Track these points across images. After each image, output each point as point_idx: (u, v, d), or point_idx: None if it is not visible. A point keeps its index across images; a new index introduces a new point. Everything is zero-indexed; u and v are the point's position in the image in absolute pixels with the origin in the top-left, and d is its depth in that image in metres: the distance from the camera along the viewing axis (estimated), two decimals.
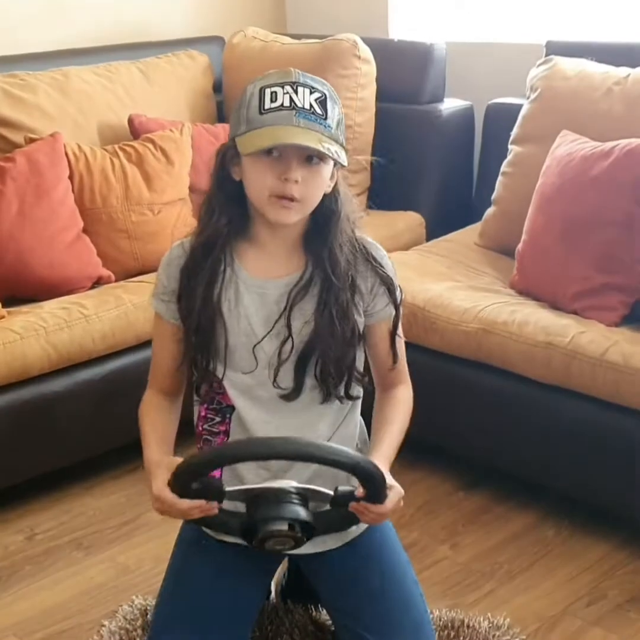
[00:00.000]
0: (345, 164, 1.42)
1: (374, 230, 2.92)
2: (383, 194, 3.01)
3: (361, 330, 1.52)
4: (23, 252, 2.45)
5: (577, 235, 2.26)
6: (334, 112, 1.42)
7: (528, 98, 2.67)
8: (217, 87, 3.18)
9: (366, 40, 2.95)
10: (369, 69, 2.94)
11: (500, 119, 2.84)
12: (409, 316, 2.40)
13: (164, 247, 2.59)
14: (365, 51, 2.93)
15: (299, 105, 1.37)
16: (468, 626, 1.83)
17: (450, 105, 3.03)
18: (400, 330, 1.59)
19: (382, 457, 1.47)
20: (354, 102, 2.91)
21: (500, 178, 2.71)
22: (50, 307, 2.37)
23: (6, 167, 2.50)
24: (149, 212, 2.66)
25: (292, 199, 1.40)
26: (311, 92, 1.40)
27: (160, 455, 1.47)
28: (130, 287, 2.50)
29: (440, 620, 1.86)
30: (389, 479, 1.40)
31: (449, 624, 1.84)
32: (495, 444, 2.28)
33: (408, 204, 2.99)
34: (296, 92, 1.39)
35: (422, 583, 1.56)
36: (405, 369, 1.62)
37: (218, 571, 1.54)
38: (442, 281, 2.47)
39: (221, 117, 3.13)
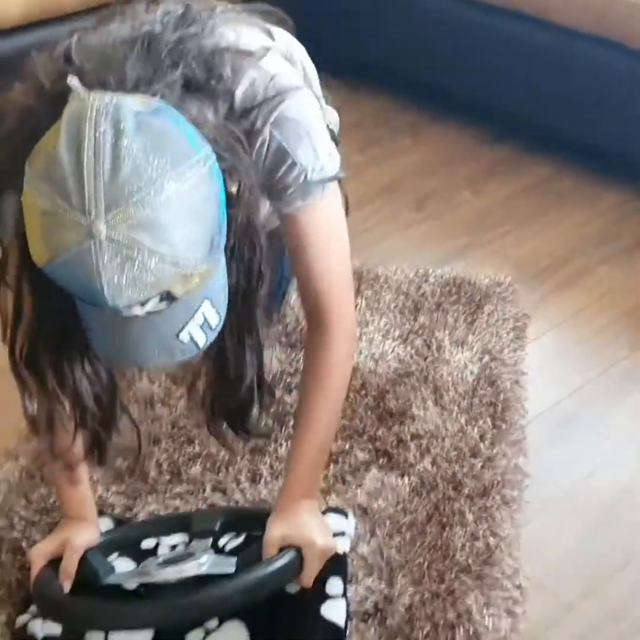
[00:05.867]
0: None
1: None
2: None
3: None
4: None
5: None
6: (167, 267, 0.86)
7: None
8: None
9: None
10: None
11: None
12: None
13: None
14: None
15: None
16: (469, 283, 1.87)
17: None
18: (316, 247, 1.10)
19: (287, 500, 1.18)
20: None
21: None
22: None
23: None
24: None
25: None
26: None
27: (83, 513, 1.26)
28: None
29: (442, 277, 1.89)
30: (298, 535, 1.13)
31: (451, 281, 1.87)
32: (525, 94, 2.28)
33: None
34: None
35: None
36: (333, 299, 1.11)
37: None
38: None
39: None
